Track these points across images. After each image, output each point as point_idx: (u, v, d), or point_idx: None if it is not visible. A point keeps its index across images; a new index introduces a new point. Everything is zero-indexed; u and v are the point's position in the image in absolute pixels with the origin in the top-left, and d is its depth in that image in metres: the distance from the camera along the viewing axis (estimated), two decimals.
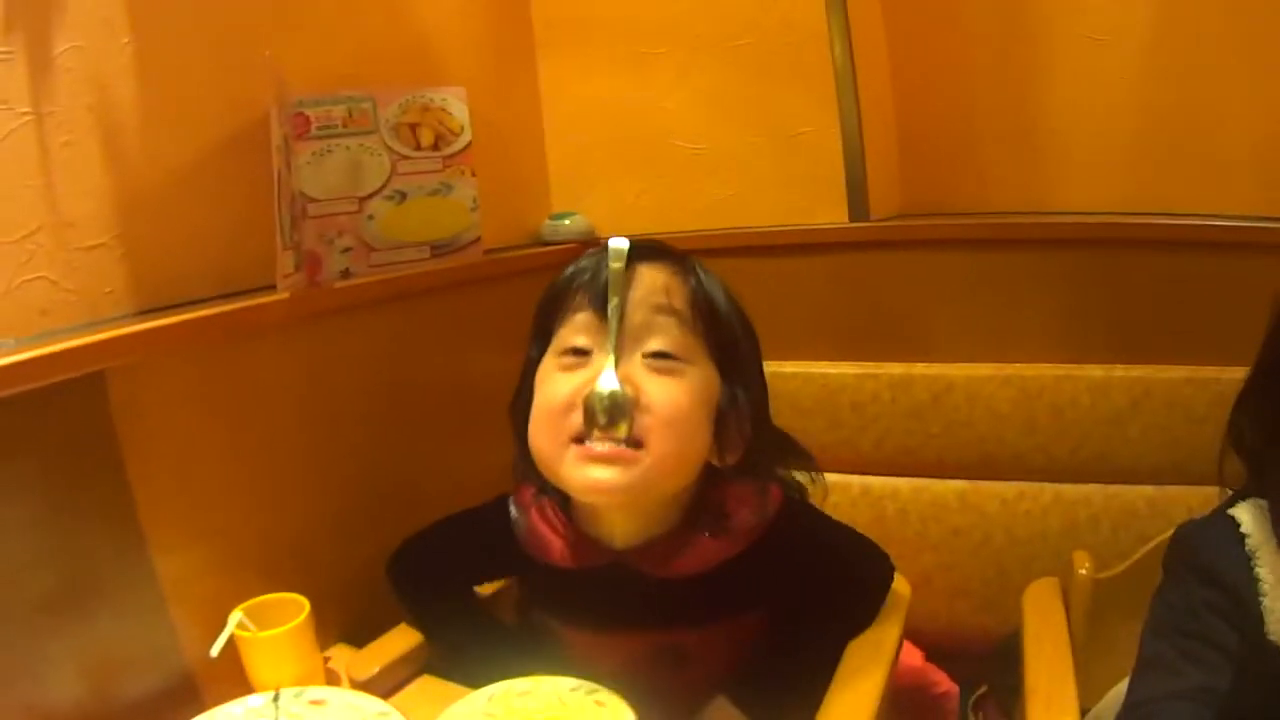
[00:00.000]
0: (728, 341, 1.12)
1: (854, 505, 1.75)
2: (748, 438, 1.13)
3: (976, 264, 1.70)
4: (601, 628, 1.18)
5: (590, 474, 1.03)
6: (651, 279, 1.09)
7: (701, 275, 1.13)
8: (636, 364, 1.06)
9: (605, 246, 1.09)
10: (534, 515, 1.20)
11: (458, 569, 1.31)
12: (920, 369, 1.71)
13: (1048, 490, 1.62)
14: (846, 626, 1.21)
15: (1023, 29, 1.84)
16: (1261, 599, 0.88)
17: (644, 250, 1.11)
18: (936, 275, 1.74)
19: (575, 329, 1.09)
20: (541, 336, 1.15)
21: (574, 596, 1.19)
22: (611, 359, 1.05)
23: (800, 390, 1.72)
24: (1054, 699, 1.07)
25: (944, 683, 1.64)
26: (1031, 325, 1.68)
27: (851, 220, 1.80)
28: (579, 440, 1.04)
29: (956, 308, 1.72)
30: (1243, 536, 0.92)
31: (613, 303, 1.06)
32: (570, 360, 1.08)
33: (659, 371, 1.06)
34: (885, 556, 1.25)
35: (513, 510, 1.23)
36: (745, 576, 1.13)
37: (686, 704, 1.12)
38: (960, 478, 1.69)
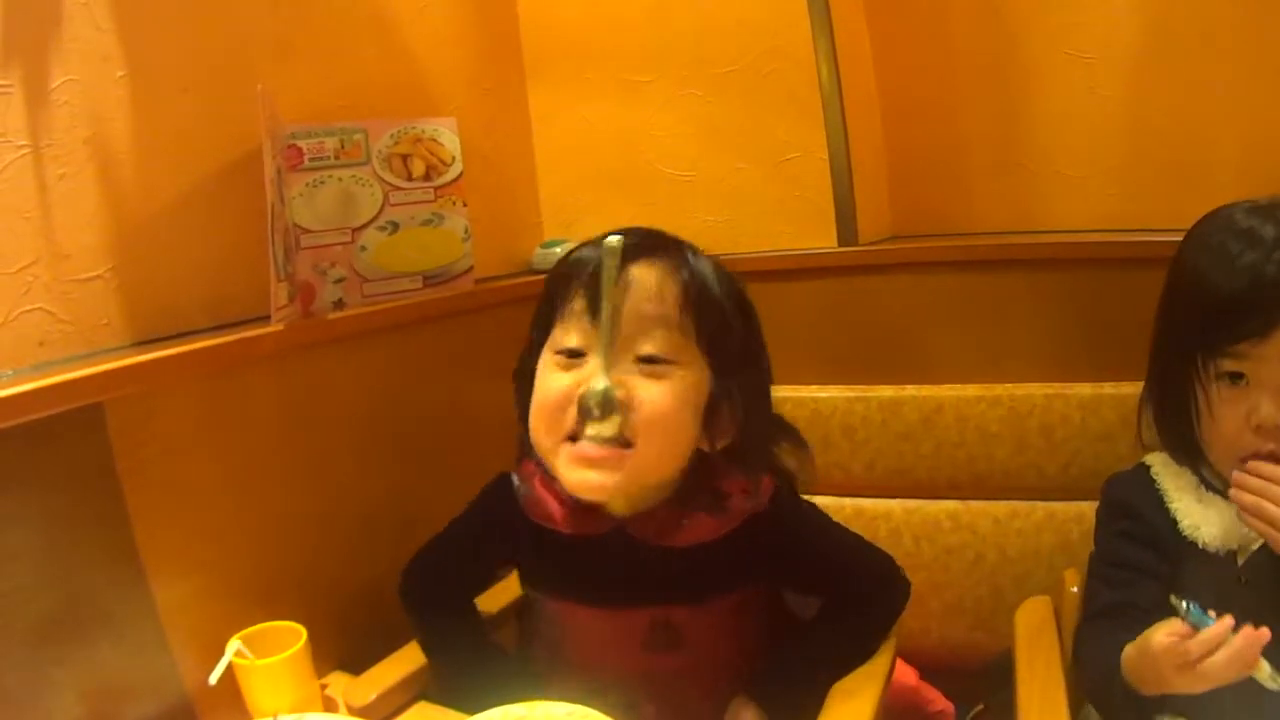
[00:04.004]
0: (719, 332, 1.14)
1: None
2: (739, 424, 1.17)
3: (965, 285, 1.71)
4: (599, 599, 1.21)
5: (581, 475, 1.10)
6: (644, 281, 1.12)
7: (694, 266, 1.16)
8: (628, 366, 1.10)
9: (600, 241, 1.11)
10: (536, 483, 1.23)
11: (465, 565, 1.34)
12: (910, 391, 1.72)
13: (1039, 508, 1.62)
14: (864, 623, 1.25)
15: (1009, 49, 1.85)
16: (1170, 505, 1.12)
17: (638, 248, 1.12)
18: (925, 297, 1.74)
19: (569, 329, 1.13)
20: (542, 325, 1.18)
21: (574, 566, 1.22)
22: (603, 360, 1.09)
23: (791, 414, 1.70)
24: (1046, 717, 1.08)
25: (938, 701, 1.65)
26: (1020, 345, 1.68)
27: (840, 244, 1.81)
28: (572, 438, 1.10)
29: (945, 329, 1.73)
30: (1148, 467, 1.18)
31: (606, 309, 1.09)
32: (565, 360, 1.12)
33: (649, 375, 1.10)
34: (887, 555, 1.30)
35: (515, 480, 1.26)
36: (739, 552, 1.18)
37: (680, 692, 1.19)
38: (952, 497, 1.69)
